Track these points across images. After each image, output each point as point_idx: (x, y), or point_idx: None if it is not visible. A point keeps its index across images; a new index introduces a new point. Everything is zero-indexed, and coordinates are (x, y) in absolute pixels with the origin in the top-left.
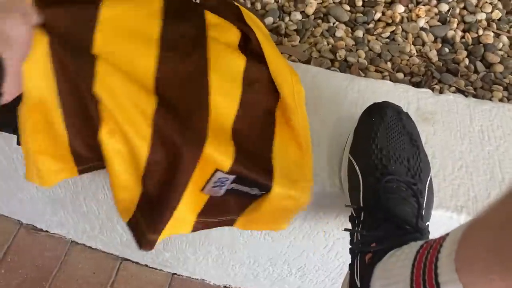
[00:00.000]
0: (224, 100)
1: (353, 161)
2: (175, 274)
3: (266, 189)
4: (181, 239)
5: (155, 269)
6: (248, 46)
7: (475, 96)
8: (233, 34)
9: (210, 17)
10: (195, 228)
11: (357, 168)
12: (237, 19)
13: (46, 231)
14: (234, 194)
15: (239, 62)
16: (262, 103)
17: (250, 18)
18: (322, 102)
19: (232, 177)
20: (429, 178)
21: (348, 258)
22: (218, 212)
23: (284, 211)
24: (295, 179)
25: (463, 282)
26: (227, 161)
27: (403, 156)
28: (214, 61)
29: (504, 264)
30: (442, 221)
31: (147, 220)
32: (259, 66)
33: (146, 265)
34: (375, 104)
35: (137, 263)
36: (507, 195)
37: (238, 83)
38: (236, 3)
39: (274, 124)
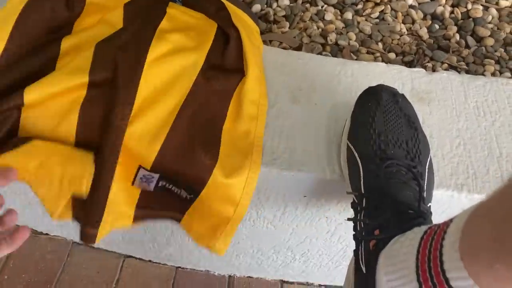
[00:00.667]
0: (161, 101)
1: (352, 147)
2: (179, 267)
3: (193, 192)
4: (183, 234)
5: (159, 263)
6: (226, 49)
7: (467, 71)
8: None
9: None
10: (136, 220)
11: (356, 154)
12: (221, 17)
13: (47, 234)
14: (167, 193)
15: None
16: (215, 104)
17: (236, 15)
18: (316, 89)
19: (156, 175)
20: (428, 159)
21: (351, 241)
22: (157, 205)
23: (223, 218)
24: (239, 167)
25: (468, 270)
26: (148, 159)
27: (402, 139)
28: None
29: (509, 254)
30: (443, 200)
31: (83, 216)
32: (224, 72)
33: (150, 261)
34: (370, 88)
35: (140, 259)
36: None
37: (183, 85)
38: None
39: (222, 126)
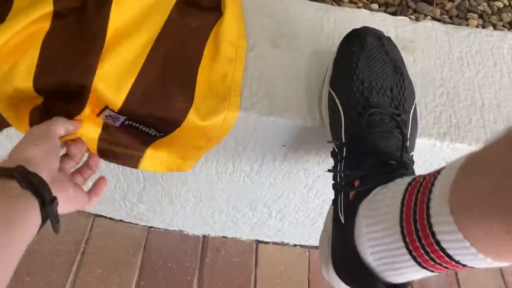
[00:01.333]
0: (131, 39)
1: (334, 94)
2: (151, 227)
3: (165, 132)
4: (156, 189)
5: (131, 223)
6: None
7: (451, 24)
8: None
9: None
10: (100, 151)
11: (337, 101)
12: None
13: None
14: (133, 129)
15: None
16: (190, 43)
17: None
18: (297, 34)
19: (123, 117)
20: (413, 107)
21: (328, 197)
22: (122, 139)
23: (197, 148)
24: (215, 110)
25: (457, 224)
26: (117, 101)
27: (386, 86)
28: None
29: (507, 210)
30: (425, 149)
31: None
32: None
33: (121, 220)
34: (354, 30)
35: (111, 218)
36: (510, 138)
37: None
38: None
39: (198, 67)
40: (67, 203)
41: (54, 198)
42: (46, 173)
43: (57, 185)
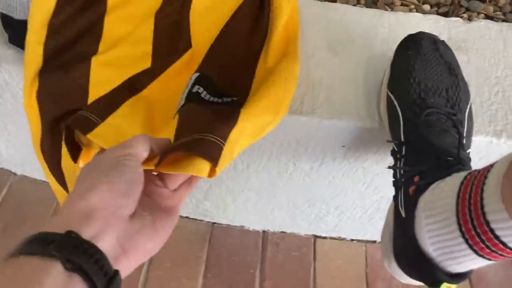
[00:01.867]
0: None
1: (392, 96)
2: (215, 223)
3: (242, 89)
4: (221, 188)
5: (195, 219)
6: None
7: (504, 21)
8: None
9: None
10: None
11: (396, 103)
12: None
13: None
14: (211, 106)
15: None
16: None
17: None
18: (353, 40)
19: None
20: (468, 106)
21: (386, 193)
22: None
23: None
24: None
25: (509, 212)
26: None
27: (442, 87)
28: None
29: None
30: (482, 146)
31: None
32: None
33: (187, 217)
34: (410, 36)
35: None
36: None
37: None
38: None
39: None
40: (140, 259)
41: (112, 280)
42: (114, 232)
43: (128, 242)
